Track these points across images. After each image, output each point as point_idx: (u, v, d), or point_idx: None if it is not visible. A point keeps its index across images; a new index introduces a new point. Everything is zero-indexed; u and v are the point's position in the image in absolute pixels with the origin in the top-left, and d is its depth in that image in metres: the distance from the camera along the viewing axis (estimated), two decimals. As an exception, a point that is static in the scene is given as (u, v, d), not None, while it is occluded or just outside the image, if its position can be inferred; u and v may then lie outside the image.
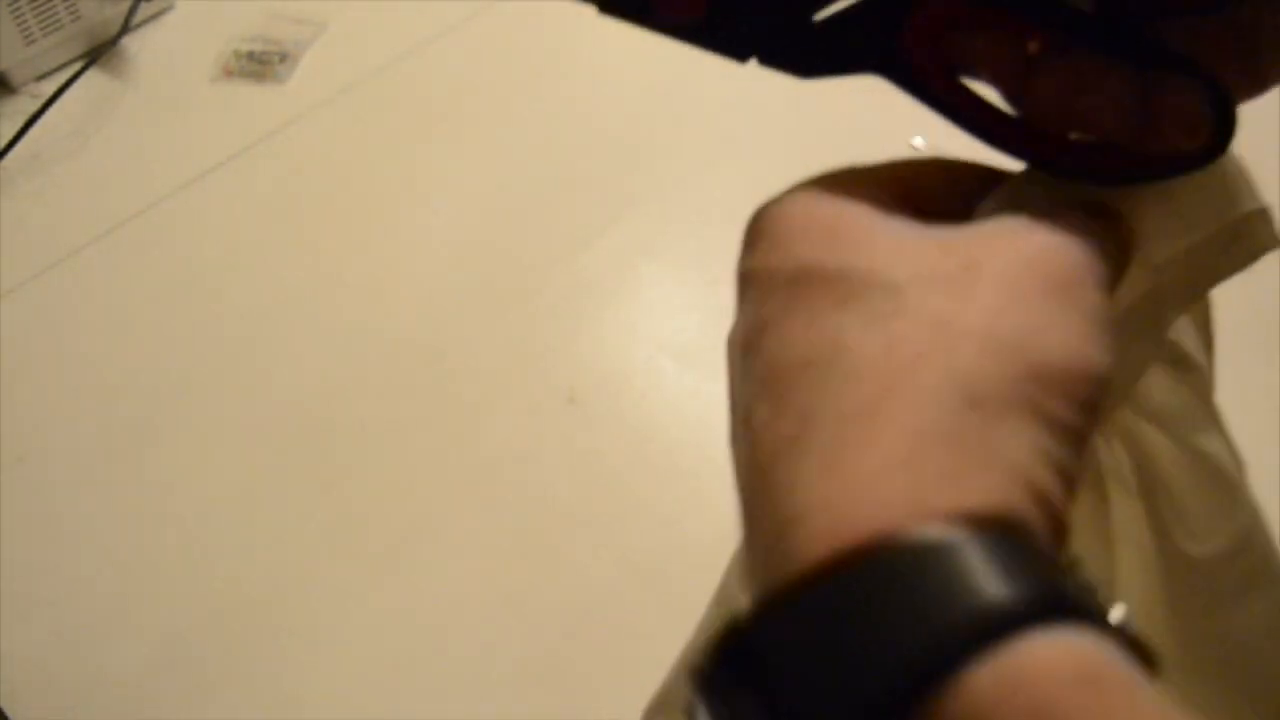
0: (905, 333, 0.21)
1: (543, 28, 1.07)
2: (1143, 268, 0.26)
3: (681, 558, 0.65)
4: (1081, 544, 0.25)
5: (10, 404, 0.79)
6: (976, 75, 0.27)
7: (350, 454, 0.76)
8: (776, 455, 0.21)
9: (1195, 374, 0.29)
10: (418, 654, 0.66)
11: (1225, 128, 0.25)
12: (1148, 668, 0.18)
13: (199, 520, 0.73)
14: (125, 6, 1.03)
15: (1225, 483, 0.27)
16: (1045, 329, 0.21)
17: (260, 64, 1.04)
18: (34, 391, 0.80)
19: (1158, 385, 0.27)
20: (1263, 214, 0.27)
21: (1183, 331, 0.29)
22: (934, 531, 0.19)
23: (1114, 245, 0.25)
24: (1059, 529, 0.20)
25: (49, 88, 0.99)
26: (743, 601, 0.32)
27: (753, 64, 0.28)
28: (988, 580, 0.18)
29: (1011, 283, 0.22)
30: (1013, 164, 0.27)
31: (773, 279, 0.24)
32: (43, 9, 0.99)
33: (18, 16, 0.97)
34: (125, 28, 1.03)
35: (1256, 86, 0.27)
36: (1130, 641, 0.18)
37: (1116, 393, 0.26)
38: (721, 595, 0.35)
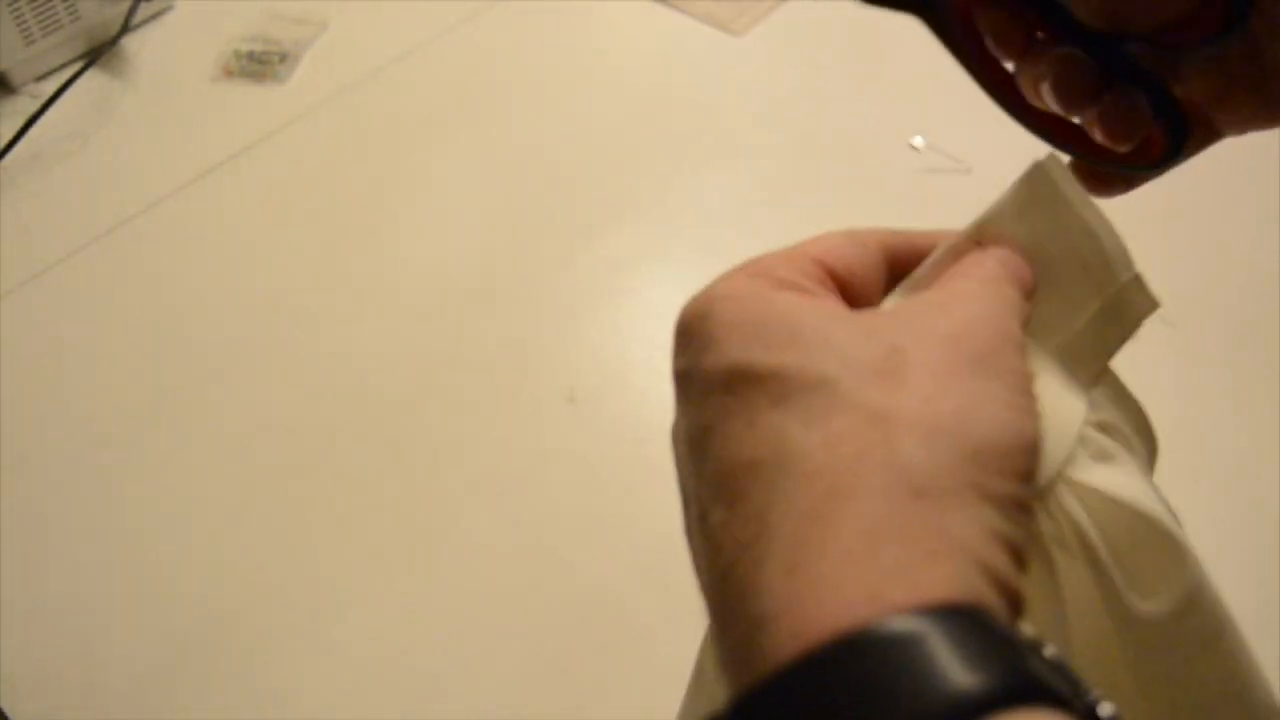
0: (843, 430, 0.22)
1: (543, 28, 1.08)
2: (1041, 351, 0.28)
3: (682, 558, 0.65)
4: (1036, 616, 0.25)
5: (10, 404, 0.79)
6: (993, 40, 0.31)
7: (350, 454, 0.76)
8: (737, 559, 0.22)
9: (1117, 435, 0.29)
10: (418, 654, 0.66)
11: (1176, 140, 0.29)
12: None
13: (199, 520, 0.73)
14: (125, 6, 1.03)
15: (1165, 538, 0.27)
16: (976, 409, 0.22)
17: (260, 64, 1.04)
18: (34, 391, 0.80)
19: (1087, 451, 0.28)
20: (1138, 281, 0.29)
21: (1101, 406, 0.30)
22: (897, 624, 0.19)
23: (1021, 300, 0.27)
24: (1015, 603, 0.21)
25: (49, 88, 0.99)
26: (717, 688, 0.33)
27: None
28: (952, 667, 0.19)
29: (937, 365, 0.23)
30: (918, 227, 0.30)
31: (708, 380, 0.24)
32: (43, 9, 0.99)
33: (18, 16, 0.97)
34: (125, 28, 1.04)
35: (1270, 115, 0.30)
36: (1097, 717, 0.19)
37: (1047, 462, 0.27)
38: (698, 674, 0.35)
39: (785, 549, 0.21)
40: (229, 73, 1.03)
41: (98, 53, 1.03)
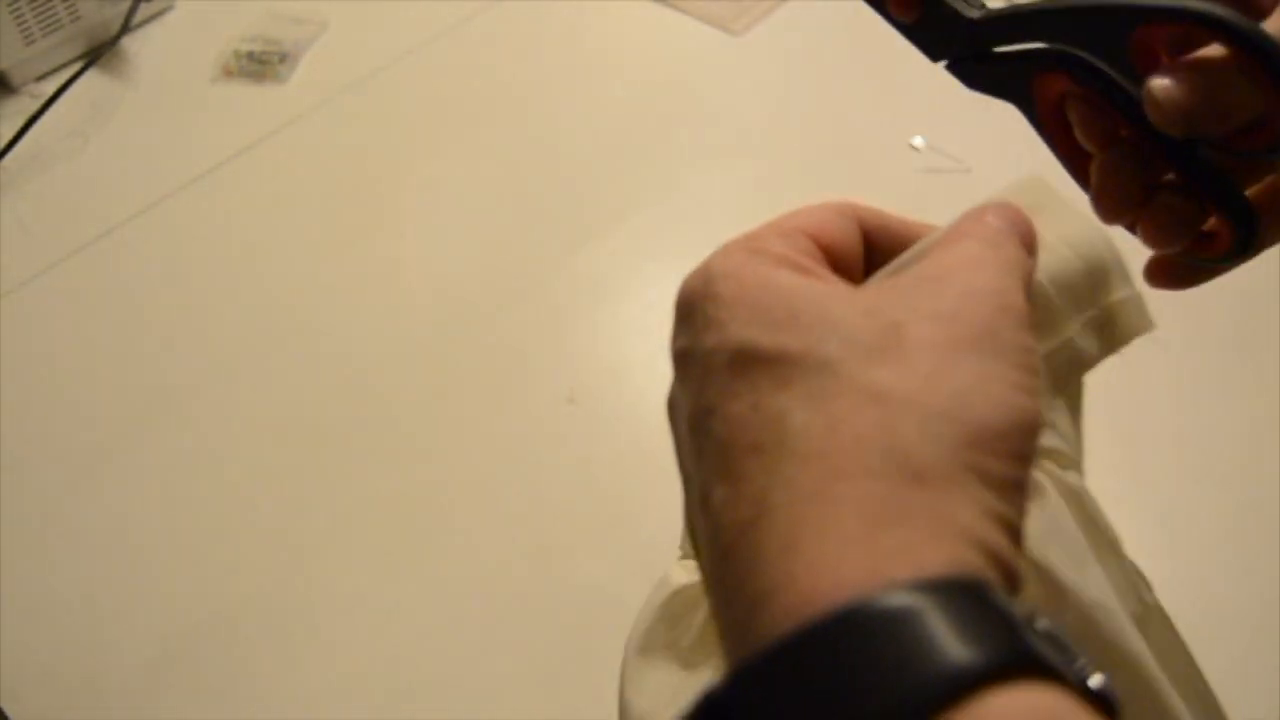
0: (845, 412, 0.22)
1: (543, 28, 1.07)
2: None
3: (681, 558, 0.65)
4: None
5: (10, 404, 0.79)
6: (1080, 131, 0.33)
7: (350, 454, 0.76)
8: (738, 538, 0.22)
9: (1063, 459, 0.30)
10: (418, 654, 0.66)
11: (1243, 235, 0.31)
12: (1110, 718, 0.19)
13: (199, 520, 0.73)
14: (125, 6, 1.03)
15: (1049, 581, 0.28)
16: (975, 390, 0.22)
17: (260, 64, 1.04)
18: (34, 391, 0.80)
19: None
20: (1135, 300, 0.30)
21: (1056, 412, 0.30)
22: (894, 599, 0.19)
23: (1025, 259, 0.26)
24: (1013, 580, 0.21)
25: (49, 88, 0.99)
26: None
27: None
28: (950, 641, 0.19)
29: (937, 342, 0.23)
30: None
31: (710, 360, 0.25)
32: (43, 9, 0.99)
33: (18, 16, 0.97)
34: (125, 28, 1.03)
35: None
36: (1091, 693, 0.19)
37: None
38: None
39: (785, 529, 0.21)
40: (229, 73, 1.03)
41: (98, 53, 1.03)
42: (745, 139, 0.96)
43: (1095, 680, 0.20)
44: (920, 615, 0.19)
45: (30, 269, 0.88)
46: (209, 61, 1.04)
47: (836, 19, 1.03)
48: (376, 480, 0.74)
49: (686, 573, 0.35)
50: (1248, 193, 0.32)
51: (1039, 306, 0.28)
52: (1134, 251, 0.32)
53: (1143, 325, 0.30)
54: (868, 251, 0.29)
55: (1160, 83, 0.29)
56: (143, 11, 1.05)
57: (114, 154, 0.97)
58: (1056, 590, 0.28)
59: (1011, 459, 0.22)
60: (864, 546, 0.20)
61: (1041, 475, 0.29)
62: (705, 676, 0.34)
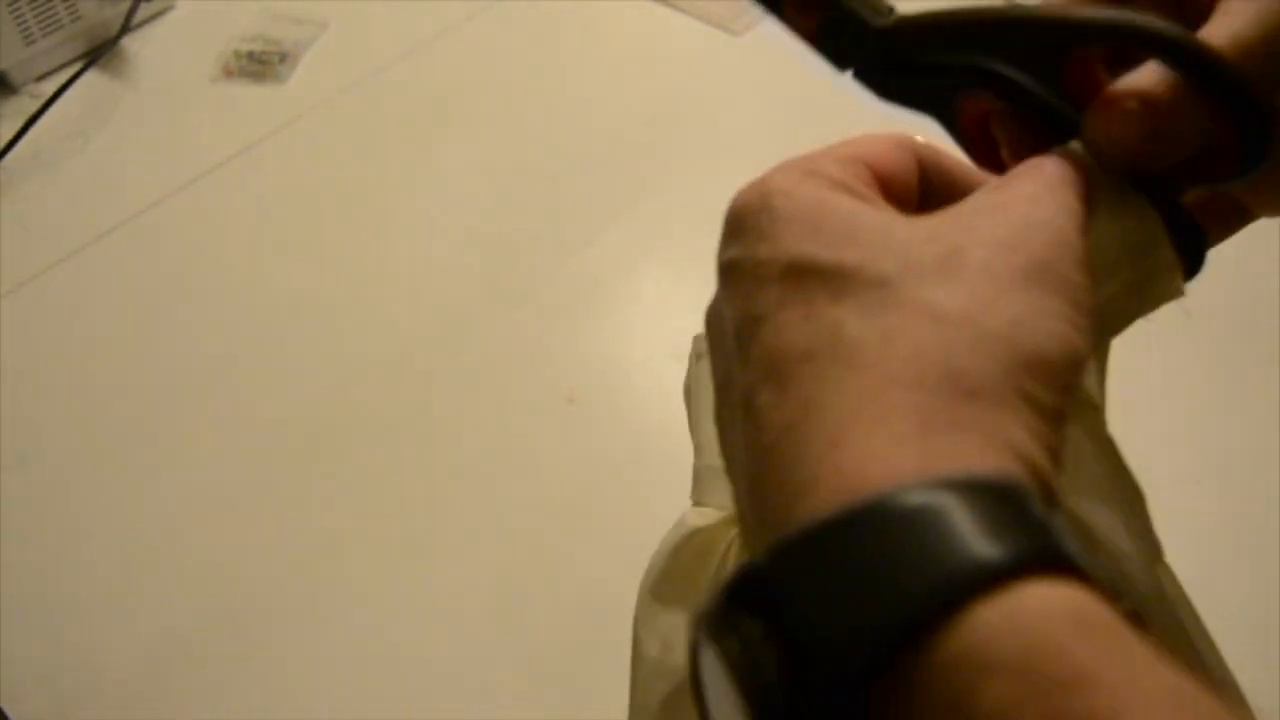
0: (901, 326, 0.22)
1: (543, 28, 1.07)
2: None
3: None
4: None
5: (10, 404, 0.79)
6: (1007, 151, 0.31)
7: (350, 454, 0.76)
8: (783, 435, 0.22)
9: (1092, 413, 0.30)
10: (417, 654, 0.66)
11: (1193, 259, 0.29)
12: (1136, 624, 0.19)
13: (199, 520, 0.73)
14: (125, 6, 1.03)
15: (1085, 536, 0.28)
16: (1030, 320, 0.23)
17: (260, 64, 1.04)
18: (34, 391, 0.80)
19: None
20: (1175, 264, 0.29)
21: (1087, 371, 0.30)
22: (944, 492, 0.20)
23: (1081, 208, 0.26)
24: (1051, 499, 0.22)
25: (49, 88, 0.99)
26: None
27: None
28: (995, 532, 0.19)
29: (997, 269, 0.23)
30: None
31: (763, 270, 0.24)
32: (43, 9, 0.99)
33: (18, 16, 0.97)
34: (125, 28, 1.03)
35: None
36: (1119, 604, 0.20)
37: None
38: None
39: (834, 425, 0.21)
40: (229, 73, 1.03)
41: (98, 53, 1.03)
42: (745, 139, 0.96)
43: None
44: (967, 507, 0.19)
45: (30, 269, 0.88)
46: (209, 61, 1.04)
47: (836, 19, 1.03)
48: (376, 480, 0.74)
49: (702, 518, 0.36)
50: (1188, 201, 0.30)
51: (1094, 251, 0.28)
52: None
53: (1177, 290, 0.29)
54: (922, 188, 0.29)
55: (1097, 124, 0.28)
56: (143, 11, 1.05)
57: (114, 154, 0.97)
58: (1090, 539, 0.28)
59: (1058, 389, 0.22)
60: (916, 445, 0.21)
61: (1078, 427, 0.29)
62: None
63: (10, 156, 0.95)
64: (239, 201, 0.93)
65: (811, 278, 0.24)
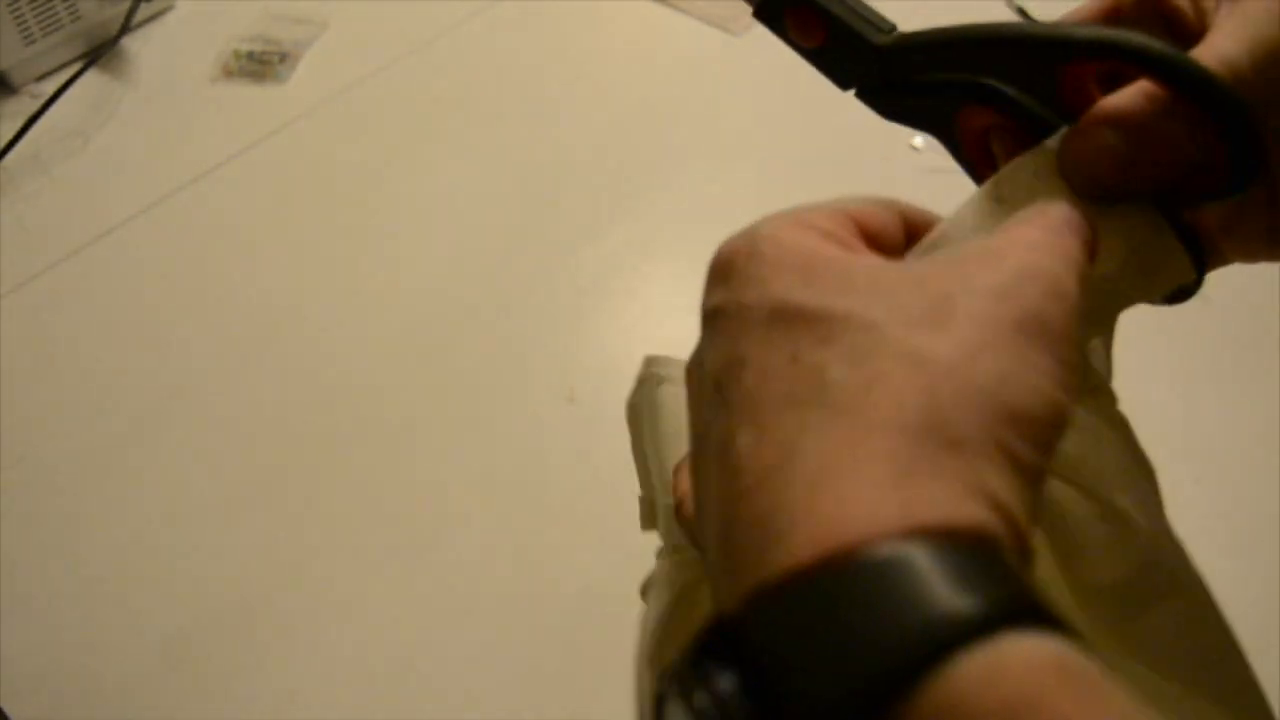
0: (886, 372, 0.22)
1: (543, 28, 1.08)
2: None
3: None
4: None
5: (10, 404, 0.79)
6: (1000, 160, 0.31)
7: (350, 454, 0.76)
8: (761, 480, 0.22)
9: (1105, 397, 0.30)
10: (417, 654, 0.66)
11: (1191, 286, 0.29)
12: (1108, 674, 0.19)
13: (199, 520, 0.73)
14: (125, 6, 1.03)
15: (1122, 521, 0.28)
16: (1017, 374, 0.22)
17: (260, 64, 1.04)
18: (34, 391, 0.80)
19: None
20: (1177, 247, 0.29)
21: (1093, 353, 0.30)
22: (926, 544, 0.20)
23: (1083, 257, 0.26)
24: (1025, 555, 0.21)
25: (49, 88, 0.99)
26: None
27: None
28: (975, 584, 0.19)
29: (985, 319, 0.23)
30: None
31: (748, 314, 0.24)
32: (43, 9, 0.99)
33: (18, 16, 0.97)
34: (125, 28, 1.04)
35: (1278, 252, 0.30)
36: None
37: None
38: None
39: (815, 470, 0.21)
40: (229, 73, 1.03)
41: (98, 53, 1.03)
42: (745, 139, 0.96)
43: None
44: (947, 557, 0.19)
45: (30, 269, 0.88)
46: (209, 61, 1.04)
47: (836, 19, 1.03)
48: (376, 479, 0.74)
49: (677, 570, 0.35)
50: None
51: (1110, 223, 0.28)
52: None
53: (1186, 274, 0.29)
54: (908, 248, 0.28)
55: (1067, 155, 0.28)
56: (143, 11, 1.05)
57: (114, 154, 0.97)
58: (1122, 522, 0.28)
59: (1038, 447, 0.22)
60: (897, 492, 0.20)
61: (1093, 412, 0.29)
62: None
63: (10, 156, 0.95)
64: (239, 202, 0.93)
65: (798, 322, 0.23)
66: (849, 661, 0.19)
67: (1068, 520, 0.27)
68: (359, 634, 0.67)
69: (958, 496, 0.21)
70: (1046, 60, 0.29)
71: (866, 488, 0.21)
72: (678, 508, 0.34)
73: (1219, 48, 0.27)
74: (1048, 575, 0.27)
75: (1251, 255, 0.31)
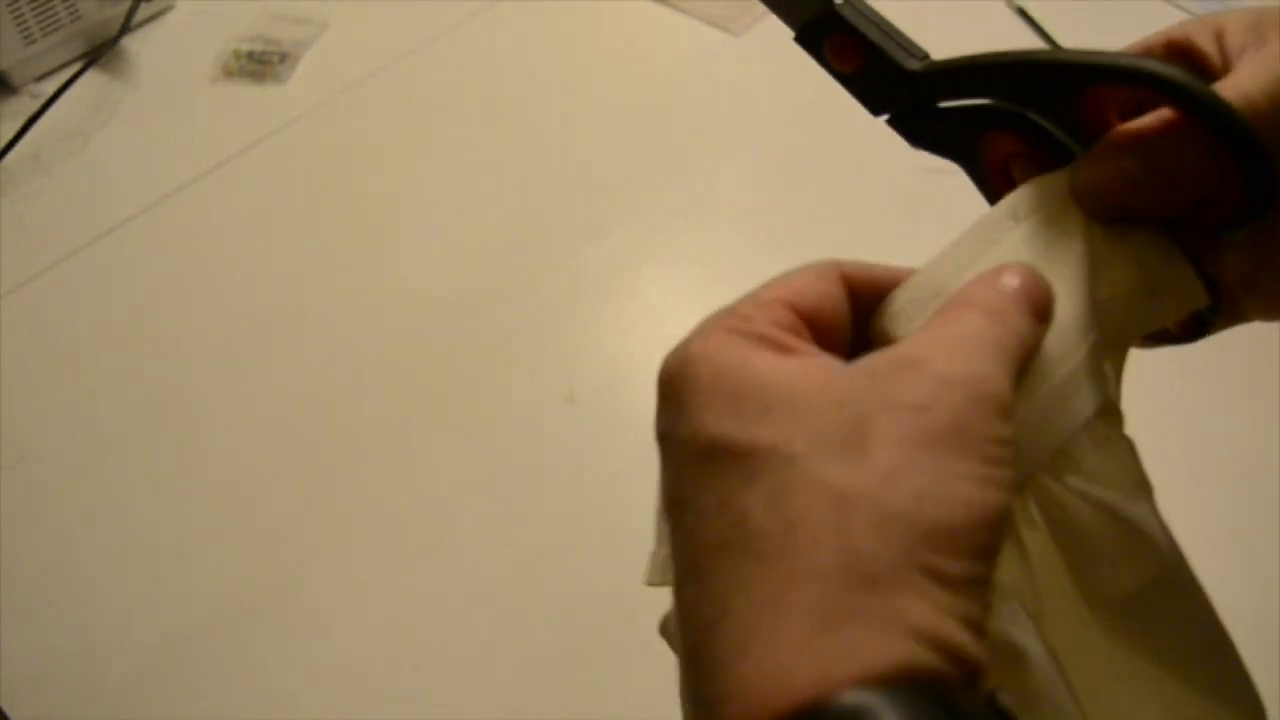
0: (802, 512, 0.22)
1: (543, 28, 1.07)
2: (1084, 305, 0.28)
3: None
4: (1007, 573, 0.26)
5: (10, 404, 0.79)
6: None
7: (349, 454, 0.76)
8: (701, 638, 0.23)
9: (1114, 418, 0.30)
10: (417, 654, 0.66)
11: (1202, 322, 0.31)
12: None
13: (199, 520, 0.73)
14: (125, 6, 1.03)
15: (1133, 531, 0.28)
16: (936, 488, 0.22)
17: (260, 64, 1.04)
18: (34, 391, 0.80)
19: (1079, 446, 0.28)
20: (1189, 272, 0.30)
21: (1108, 381, 0.30)
22: (847, 698, 0.20)
23: (1025, 325, 0.26)
24: (973, 672, 0.21)
25: (49, 88, 0.99)
26: None
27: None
28: None
29: (903, 438, 0.23)
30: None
31: (684, 449, 0.25)
32: (43, 9, 0.99)
33: (18, 16, 0.97)
34: (125, 28, 1.03)
35: None
36: None
37: (1053, 450, 0.28)
38: None
39: (740, 633, 0.22)
40: (229, 73, 1.03)
41: (98, 53, 1.03)
42: (745, 139, 0.96)
43: None
44: (872, 712, 0.20)
45: (30, 269, 0.88)
46: (209, 61, 1.04)
47: (836, 19, 1.03)
48: (376, 479, 0.74)
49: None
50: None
51: (1117, 246, 0.28)
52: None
53: (1199, 298, 0.29)
54: (856, 305, 0.29)
55: (1080, 176, 0.28)
56: (143, 11, 1.05)
57: (114, 154, 0.97)
58: (1138, 533, 0.28)
59: (969, 556, 0.22)
60: (810, 650, 0.21)
61: (1110, 428, 0.29)
62: None
63: (10, 156, 0.95)
64: (239, 201, 0.93)
65: (727, 459, 0.24)
66: None
67: (1083, 532, 0.27)
68: (359, 634, 0.67)
69: (878, 638, 0.21)
70: (1069, 83, 0.30)
71: (783, 651, 0.21)
72: None
73: (1238, 83, 0.28)
74: (1058, 585, 0.27)
75: (1272, 312, 0.32)
